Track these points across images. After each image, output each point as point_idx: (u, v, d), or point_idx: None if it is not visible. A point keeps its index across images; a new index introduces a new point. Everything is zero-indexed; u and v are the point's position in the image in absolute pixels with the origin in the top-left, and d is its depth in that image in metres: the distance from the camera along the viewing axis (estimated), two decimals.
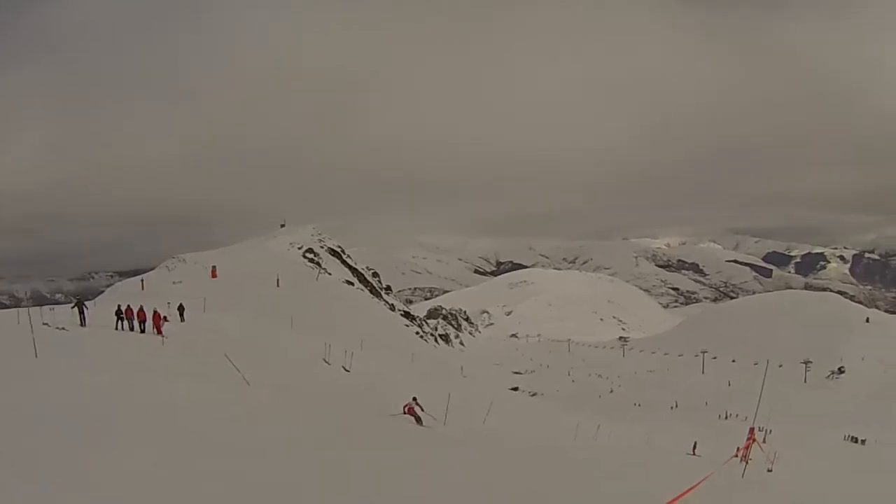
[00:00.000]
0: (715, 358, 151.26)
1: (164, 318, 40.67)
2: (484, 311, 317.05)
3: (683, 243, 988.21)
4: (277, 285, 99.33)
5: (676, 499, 16.58)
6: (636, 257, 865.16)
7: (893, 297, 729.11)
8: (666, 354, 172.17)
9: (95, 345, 32.02)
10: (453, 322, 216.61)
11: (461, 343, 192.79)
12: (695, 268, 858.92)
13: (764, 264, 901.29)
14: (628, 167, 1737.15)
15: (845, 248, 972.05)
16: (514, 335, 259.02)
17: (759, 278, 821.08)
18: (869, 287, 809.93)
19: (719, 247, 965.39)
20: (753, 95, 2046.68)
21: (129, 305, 39.77)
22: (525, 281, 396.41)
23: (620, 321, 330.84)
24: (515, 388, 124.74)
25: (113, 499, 10.37)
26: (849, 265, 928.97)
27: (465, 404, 38.20)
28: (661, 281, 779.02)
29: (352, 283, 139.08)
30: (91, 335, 34.78)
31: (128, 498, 10.54)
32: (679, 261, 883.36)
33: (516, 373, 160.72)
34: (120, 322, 38.67)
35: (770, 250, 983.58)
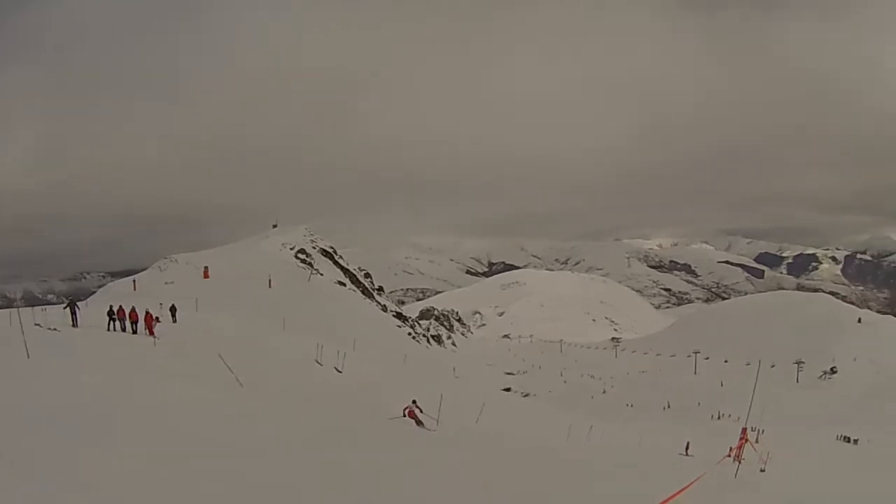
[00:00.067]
0: (707, 358, 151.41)
1: (156, 318, 40.54)
2: (476, 312, 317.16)
3: (675, 244, 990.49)
4: (269, 286, 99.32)
5: (670, 499, 16.59)
6: (628, 258, 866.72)
7: (885, 298, 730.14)
8: (658, 355, 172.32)
9: (87, 345, 31.91)
10: (445, 323, 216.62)
11: (453, 344, 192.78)
12: (687, 268, 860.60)
13: (756, 265, 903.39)
14: (621, 168, 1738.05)
15: (837, 248, 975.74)
16: (506, 336, 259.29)
17: (751, 279, 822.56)
18: (861, 288, 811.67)
19: (711, 248, 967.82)
20: (746, 96, 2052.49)
21: (121, 306, 39.64)
22: (517, 282, 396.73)
23: (612, 322, 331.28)
24: (508, 389, 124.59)
25: (107, 499, 10.33)
26: (841, 266, 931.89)
27: (458, 405, 38.16)
28: (654, 282, 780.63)
29: (344, 284, 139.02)
30: (83, 336, 34.65)
31: (122, 498, 10.49)
32: (671, 261, 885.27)
33: (508, 373, 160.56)
34: (112, 323, 38.55)
35: (762, 251, 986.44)
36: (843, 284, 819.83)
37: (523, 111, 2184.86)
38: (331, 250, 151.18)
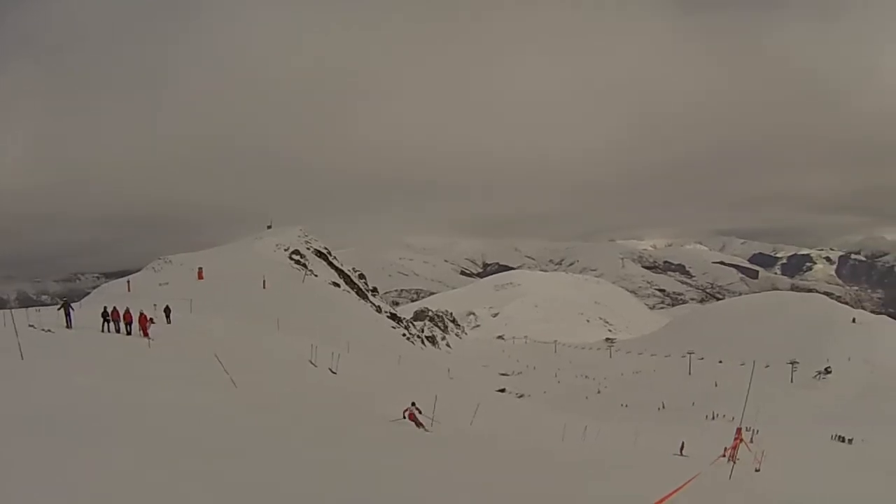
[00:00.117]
0: (702, 359, 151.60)
1: (151, 319, 40.37)
2: (470, 313, 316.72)
3: (670, 245, 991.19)
4: (264, 287, 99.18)
5: (664, 499, 16.60)
6: (622, 259, 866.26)
7: (879, 298, 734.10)
8: (653, 355, 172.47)
9: (81, 347, 31.81)
10: (440, 324, 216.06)
11: (448, 345, 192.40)
12: (681, 269, 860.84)
13: (750, 265, 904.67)
14: (615, 169, 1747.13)
15: (831, 249, 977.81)
16: (500, 337, 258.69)
17: (745, 279, 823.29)
18: (855, 288, 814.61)
19: (705, 248, 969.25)
20: (740, 98, 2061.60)
21: (115, 307, 39.48)
22: (511, 282, 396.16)
23: (607, 322, 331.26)
24: (502, 390, 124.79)
25: (101, 500, 10.30)
26: (835, 266, 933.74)
27: (453, 406, 38.15)
28: (648, 282, 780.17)
29: (338, 285, 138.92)
30: (77, 337, 34.53)
31: (116, 499, 10.47)
32: (665, 262, 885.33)
33: (503, 374, 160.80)
34: (106, 324, 38.39)
35: (756, 251, 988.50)
36: (838, 285, 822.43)
37: (518, 112, 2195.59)
38: (325, 251, 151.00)
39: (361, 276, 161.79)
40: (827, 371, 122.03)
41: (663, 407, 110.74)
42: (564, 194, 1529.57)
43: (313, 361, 47.32)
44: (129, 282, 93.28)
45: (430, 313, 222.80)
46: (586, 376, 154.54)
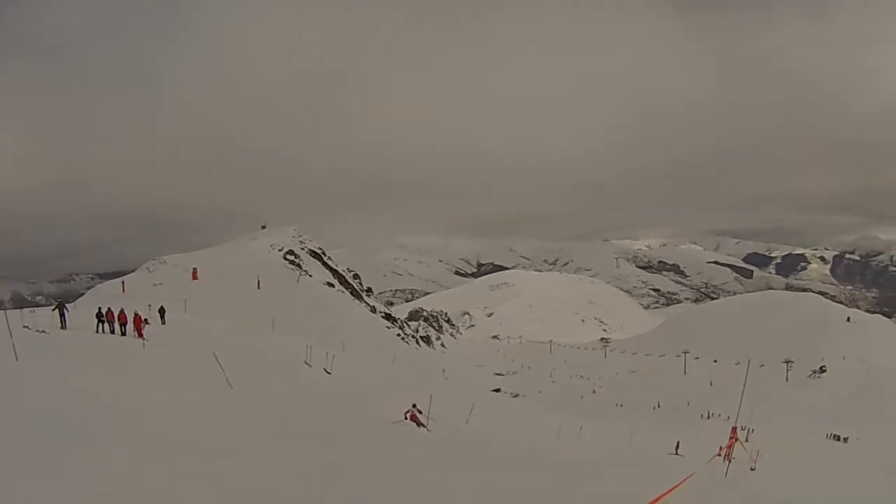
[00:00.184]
0: (697, 358, 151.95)
1: (145, 320, 40.27)
2: (465, 313, 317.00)
3: (664, 245, 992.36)
4: (258, 287, 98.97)
5: (660, 498, 16.60)
6: (617, 259, 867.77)
7: (874, 297, 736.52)
8: (647, 355, 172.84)
9: (76, 348, 31.74)
10: (434, 324, 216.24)
11: (442, 345, 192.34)
12: (675, 269, 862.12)
13: (744, 265, 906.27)
14: (609, 169, 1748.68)
15: (826, 249, 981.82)
16: (495, 337, 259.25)
17: (739, 279, 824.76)
18: (850, 287, 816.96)
19: (700, 248, 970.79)
20: (735, 98, 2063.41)
21: (109, 308, 39.38)
22: (506, 282, 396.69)
23: (602, 322, 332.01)
24: (497, 390, 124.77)
25: (100, 500, 10.28)
26: (829, 266, 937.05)
27: (448, 406, 38.19)
28: (642, 282, 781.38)
29: (332, 285, 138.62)
30: (71, 338, 34.44)
31: (116, 499, 10.45)
32: (660, 262, 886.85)
33: (498, 374, 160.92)
34: (100, 325, 38.29)
35: (750, 251, 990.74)
36: (832, 284, 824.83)
37: (512, 112, 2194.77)
38: (319, 251, 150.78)
39: (356, 277, 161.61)
40: (822, 370, 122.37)
41: (658, 406, 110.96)
42: (559, 194, 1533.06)
43: (308, 362, 47.25)
44: (123, 282, 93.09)
45: (424, 313, 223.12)
46: (581, 376, 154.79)
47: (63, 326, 36.80)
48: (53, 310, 38.70)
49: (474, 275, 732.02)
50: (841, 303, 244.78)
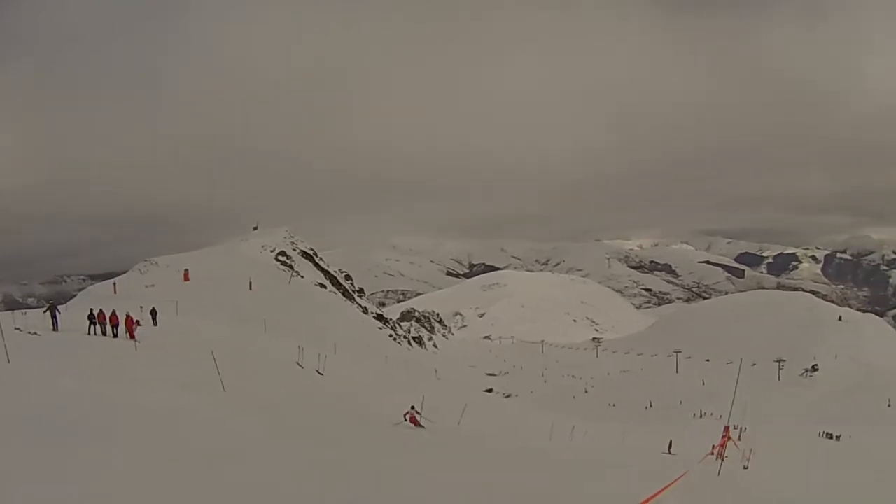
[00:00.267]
0: (689, 358, 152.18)
1: (137, 322, 40.21)
2: (457, 314, 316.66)
3: (656, 245, 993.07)
4: (250, 288, 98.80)
5: (653, 497, 16.65)
6: (608, 259, 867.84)
7: (865, 296, 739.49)
8: (639, 355, 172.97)
9: (68, 350, 31.64)
10: (426, 324, 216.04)
11: (434, 345, 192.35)
12: (667, 269, 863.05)
13: (736, 265, 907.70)
14: (601, 169, 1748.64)
15: (817, 248, 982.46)
16: (487, 337, 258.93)
17: (731, 279, 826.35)
18: (841, 287, 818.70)
19: (691, 248, 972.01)
20: (726, 98, 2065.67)
21: (101, 309, 39.29)
22: (498, 283, 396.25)
23: (593, 322, 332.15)
24: (490, 390, 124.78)
25: (99, 499, 10.27)
26: (821, 265, 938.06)
27: (440, 406, 38.18)
28: (634, 282, 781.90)
29: (324, 286, 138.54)
30: (63, 340, 34.34)
31: (115, 499, 10.44)
32: (651, 262, 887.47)
33: (490, 374, 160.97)
34: (92, 326, 38.21)
35: (742, 251, 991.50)
36: (824, 283, 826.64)
37: (497, 113, 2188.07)
38: (311, 252, 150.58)
39: (348, 277, 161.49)
40: (814, 369, 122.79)
41: (651, 406, 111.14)
42: (551, 195, 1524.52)
43: (300, 363, 47.24)
44: (115, 284, 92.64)
45: (416, 314, 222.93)
46: (573, 376, 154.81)
47: (55, 328, 36.69)
48: (45, 312, 38.56)
49: (466, 275, 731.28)
50: (832, 302, 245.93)
